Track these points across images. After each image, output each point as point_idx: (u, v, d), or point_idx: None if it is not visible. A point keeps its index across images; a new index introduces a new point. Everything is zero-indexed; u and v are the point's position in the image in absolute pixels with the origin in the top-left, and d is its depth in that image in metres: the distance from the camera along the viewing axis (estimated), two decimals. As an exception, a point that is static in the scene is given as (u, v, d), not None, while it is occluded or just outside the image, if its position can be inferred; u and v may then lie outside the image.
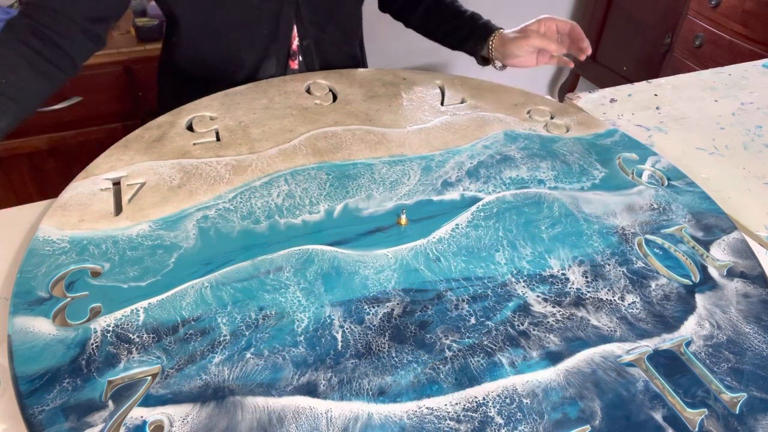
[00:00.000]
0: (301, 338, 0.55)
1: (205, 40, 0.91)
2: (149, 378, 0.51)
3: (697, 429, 0.51)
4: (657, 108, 1.00)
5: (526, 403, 0.51)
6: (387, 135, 0.84)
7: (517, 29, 0.92)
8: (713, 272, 0.66)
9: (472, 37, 0.97)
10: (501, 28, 0.95)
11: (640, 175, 0.81)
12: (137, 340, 0.54)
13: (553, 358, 0.55)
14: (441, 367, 0.54)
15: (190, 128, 0.83)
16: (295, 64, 0.98)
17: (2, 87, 0.69)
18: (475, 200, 0.74)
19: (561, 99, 1.03)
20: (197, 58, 0.94)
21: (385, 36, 1.34)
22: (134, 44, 1.39)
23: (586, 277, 0.64)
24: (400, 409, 0.50)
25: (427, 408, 0.50)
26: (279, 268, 0.62)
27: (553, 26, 0.90)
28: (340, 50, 1.01)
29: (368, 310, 0.59)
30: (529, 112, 0.93)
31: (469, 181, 0.77)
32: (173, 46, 0.95)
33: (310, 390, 0.51)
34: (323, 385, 0.52)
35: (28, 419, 0.47)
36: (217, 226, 0.67)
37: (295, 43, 0.95)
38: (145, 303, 0.57)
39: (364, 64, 1.11)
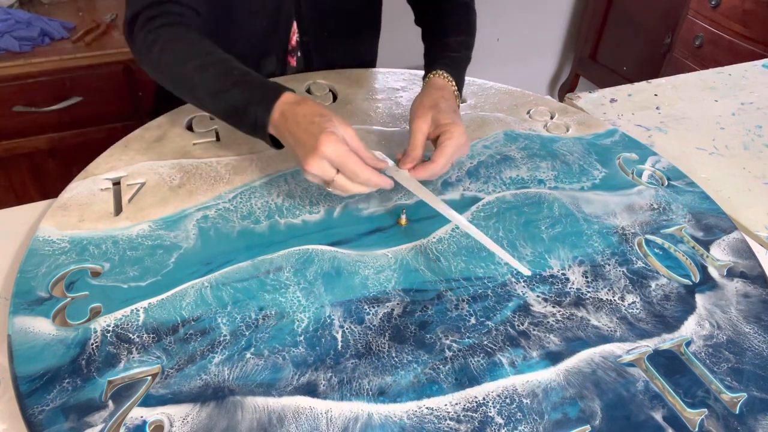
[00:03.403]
0: (301, 338, 0.55)
1: (203, 32, 0.91)
2: (149, 378, 0.51)
3: (697, 429, 0.51)
4: (657, 108, 1.00)
5: (526, 403, 0.51)
6: (387, 135, 0.84)
7: (428, 104, 0.72)
8: (713, 272, 0.66)
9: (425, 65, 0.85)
10: (438, 74, 0.77)
11: (640, 175, 0.81)
12: (137, 340, 0.54)
13: (553, 358, 0.55)
14: (441, 367, 0.54)
15: (190, 128, 0.83)
16: (293, 61, 0.98)
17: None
18: (475, 200, 0.74)
19: (561, 99, 1.03)
20: None
21: (401, 35, 1.33)
22: (134, 44, 1.38)
23: (586, 277, 0.64)
24: (400, 409, 0.50)
25: (427, 408, 0.50)
26: (279, 268, 0.62)
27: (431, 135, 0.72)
28: (342, 49, 1.00)
29: (368, 310, 0.59)
30: (529, 112, 0.93)
31: (469, 181, 0.77)
32: None
33: (310, 390, 0.51)
34: (323, 385, 0.52)
35: (28, 419, 0.47)
36: (217, 226, 0.67)
37: (294, 39, 0.95)
38: (145, 303, 0.57)
39: (372, 65, 1.08)
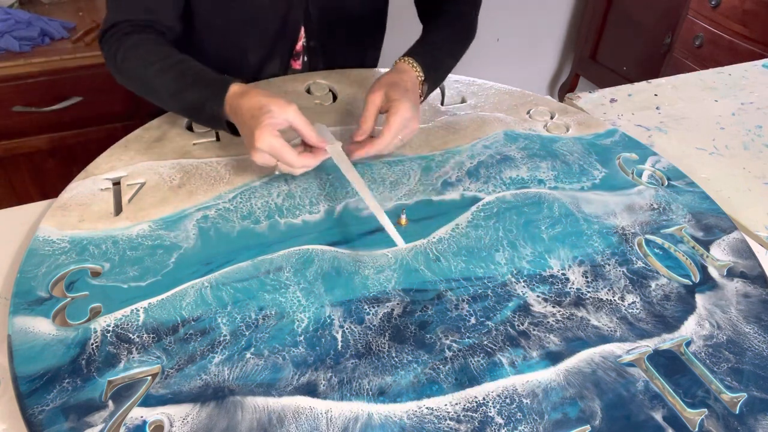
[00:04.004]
0: (301, 338, 0.55)
1: (211, 37, 0.91)
2: (149, 378, 0.51)
3: (697, 429, 0.51)
4: (657, 108, 1.00)
5: (526, 403, 0.51)
6: (387, 135, 0.84)
7: (385, 81, 0.76)
8: (713, 272, 0.66)
9: None
10: (404, 60, 0.80)
11: (640, 175, 0.81)
12: (137, 340, 0.54)
13: (553, 358, 0.55)
14: (441, 367, 0.54)
15: (190, 128, 0.83)
16: (297, 65, 0.98)
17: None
18: (475, 200, 0.74)
19: (561, 99, 1.03)
20: (201, 57, 0.93)
21: (403, 36, 1.34)
22: (134, 44, 1.38)
23: (586, 277, 0.64)
24: (400, 409, 0.50)
25: (427, 408, 0.50)
26: (279, 268, 0.62)
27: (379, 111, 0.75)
28: (348, 53, 1.00)
29: (368, 310, 0.59)
30: (529, 112, 0.93)
31: (469, 181, 0.77)
32: (178, 44, 0.95)
33: (310, 390, 0.51)
34: (323, 385, 0.52)
35: (28, 419, 0.47)
36: (217, 226, 0.67)
37: (300, 43, 0.95)
38: (145, 303, 0.57)
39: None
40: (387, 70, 0.81)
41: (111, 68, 0.79)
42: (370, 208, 0.66)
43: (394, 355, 0.55)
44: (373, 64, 1.08)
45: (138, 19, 0.78)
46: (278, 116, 0.65)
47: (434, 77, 0.83)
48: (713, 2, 1.81)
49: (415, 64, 0.80)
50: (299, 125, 0.67)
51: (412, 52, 0.82)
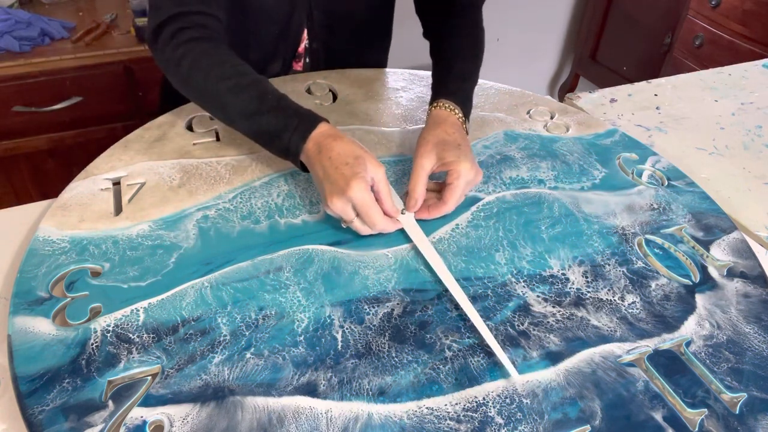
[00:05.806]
0: (301, 338, 0.55)
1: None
2: (149, 378, 0.51)
3: (697, 429, 0.51)
4: (657, 108, 1.00)
5: (526, 403, 0.51)
6: (387, 135, 0.84)
7: (432, 140, 0.70)
8: (713, 272, 0.66)
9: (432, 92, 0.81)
10: (439, 105, 0.75)
11: (640, 175, 0.81)
12: (137, 340, 0.54)
13: (553, 358, 0.55)
14: (441, 367, 0.54)
15: (190, 128, 0.83)
16: (299, 66, 0.98)
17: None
18: (475, 200, 0.74)
19: (561, 99, 1.03)
20: None
21: (404, 36, 1.34)
22: (134, 44, 1.39)
23: (586, 277, 0.64)
24: (400, 409, 0.50)
25: (427, 408, 0.50)
26: (279, 268, 0.62)
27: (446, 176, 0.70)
28: (351, 55, 1.00)
29: (368, 310, 0.59)
30: (529, 112, 0.93)
31: (469, 181, 0.77)
32: None
33: (310, 390, 0.51)
34: (323, 385, 0.52)
35: (28, 419, 0.47)
36: (217, 226, 0.67)
37: (303, 45, 0.95)
38: (145, 303, 0.57)
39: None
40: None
41: (170, 73, 0.73)
42: (451, 291, 0.60)
43: (394, 355, 0.55)
44: (379, 66, 1.07)
45: (192, 11, 0.72)
46: (370, 171, 0.62)
47: (469, 108, 0.79)
48: (713, 2, 1.81)
49: (451, 107, 0.74)
50: (381, 189, 0.64)
51: (445, 93, 0.76)
